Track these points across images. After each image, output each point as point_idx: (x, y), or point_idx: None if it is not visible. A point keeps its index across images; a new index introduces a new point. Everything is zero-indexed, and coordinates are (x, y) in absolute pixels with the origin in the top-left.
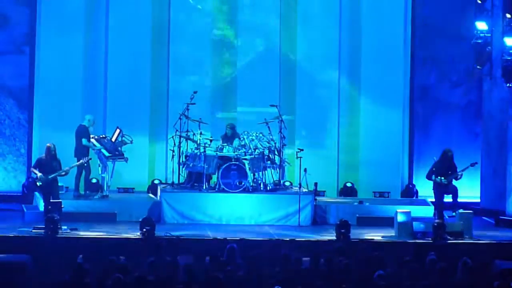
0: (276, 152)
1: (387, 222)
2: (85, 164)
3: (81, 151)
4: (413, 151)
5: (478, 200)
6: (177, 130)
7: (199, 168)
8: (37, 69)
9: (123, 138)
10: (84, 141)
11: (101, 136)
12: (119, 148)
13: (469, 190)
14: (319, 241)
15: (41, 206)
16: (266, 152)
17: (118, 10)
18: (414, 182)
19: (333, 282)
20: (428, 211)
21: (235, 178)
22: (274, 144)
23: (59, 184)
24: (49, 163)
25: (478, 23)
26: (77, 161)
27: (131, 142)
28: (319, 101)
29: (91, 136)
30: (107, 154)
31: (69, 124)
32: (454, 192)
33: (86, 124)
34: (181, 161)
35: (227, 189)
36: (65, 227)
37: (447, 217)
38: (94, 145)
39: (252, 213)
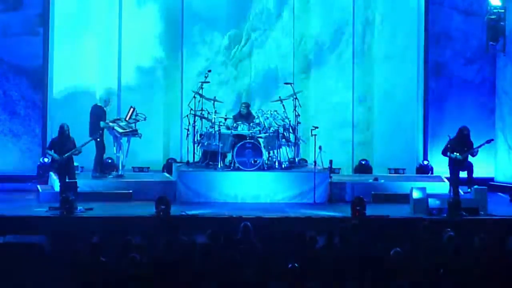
0: (291, 130)
1: (402, 198)
2: (98, 139)
3: (97, 131)
4: (428, 128)
5: (493, 176)
6: (191, 109)
7: (214, 146)
8: (51, 49)
9: (137, 117)
10: (102, 123)
11: (116, 119)
12: (133, 125)
13: (484, 166)
14: (335, 219)
15: (56, 186)
16: (281, 130)
17: None
18: (429, 159)
19: (349, 260)
20: (443, 188)
21: (250, 156)
22: (288, 122)
23: (75, 164)
24: (64, 143)
25: None
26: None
27: (145, 119)
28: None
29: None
30: (120, 130)
31: (83, 104)
32: (470, 168)
33: (102, 104)
34: (196, 139)
35: (242, 168)
36: (81, 207)
37: (462, 193)
38: (110, 126)
39: (268, 191)
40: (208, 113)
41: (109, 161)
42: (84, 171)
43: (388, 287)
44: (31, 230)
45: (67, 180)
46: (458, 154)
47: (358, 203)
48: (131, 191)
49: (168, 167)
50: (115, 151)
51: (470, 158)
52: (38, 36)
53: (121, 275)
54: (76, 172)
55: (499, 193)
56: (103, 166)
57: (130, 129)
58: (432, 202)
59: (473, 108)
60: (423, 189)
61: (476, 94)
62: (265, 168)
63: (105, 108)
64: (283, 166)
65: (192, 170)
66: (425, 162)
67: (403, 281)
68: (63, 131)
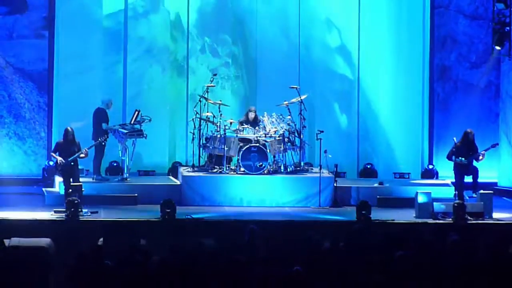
0: (296, 134)
1: (407, 203)
2: (103, 143)
3: (100, 134)
4: (433, 132)
5: (497, 181)
6: (197, 113)
7: (220, 150)
8: (57, 53)
9: (142, 118)
10: (104, 125)
11: (121, 124)
12: (138, 126)
13: (488, 170)
14: (340, 223)
15: (62, 189)
16: (286, 134)
17: None
18: (434, 163)
19: (353, 263)
20: (448, 192)
21: (256, 160)
22: (294, 126)
23: (80, 167)
24: (68, 146)
25: (497, 3)
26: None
27: (150, 121)
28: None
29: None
30: (125, 131)
31: (88, 107)
32: (475, 173)
33: (104, 106)
34: (201, 143)
35: (247, 171)
36: (86, 210)
37: (467, 197)
38: (114, 129)
39: (273, 195)
40: (214, 116)
41: (115, 164)
42: (89, 174)
43: None
44: (36, 233)
45: (72, 183)
46: (463, 158)
47: (363, 207)
48: (136, 194)
49: (173, 170)
50: (120, 155)
51: (475, 163)
52: (44, 39)
53: (126, 278)
54: (81, 175)
55: (504, 198)
56: (107, 170)
57: (135, 129)
58: (437, 206)
59: (478, 112)
60: (428, 194)
61: (481, 98)
62: (271, 172)
63: (107, 110)
64: (288, 170)
65: (197, 174)
66: (430, 167)
67: (408, 285)
68: (68, 135)
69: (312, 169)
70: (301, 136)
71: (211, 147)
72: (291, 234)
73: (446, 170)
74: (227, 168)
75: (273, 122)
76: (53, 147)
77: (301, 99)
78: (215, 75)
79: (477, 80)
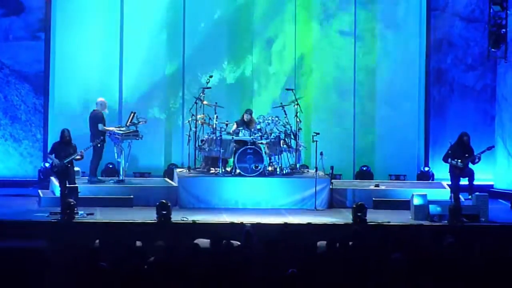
0: (292, 136)
1: (403, 205)
2: (99, 145)
3: (97, 136)
4: (429, 134)
5: (492, 183)
6: (193, 115)
7: (215, 152)
8: (53, 54)
9: (138, 119)
10: (100, 126)
11: (117, 126)
12: (133, 127)
13: (484, 173)
14: (336, 225)
15: (57, 191)
16: (282, 136)
17: None
18: (430, 165)
19: (349, 266)
20: (444, 194)
21: (251, 162)
22: (290, 128)
23: (76, 169)
24: (64, 148)
25: (493, 5)
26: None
27: (145, 122)
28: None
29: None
30: (120, 132)
31: (85, 109)
32: (470, 175)
33: (99, 108)
34: (197, 145)
35: (243, 173)
36: (82, 212)
37: (463, 200)
38: (110, 130)
39: (269, 197)
40: (210, 118)
41: (110, 166)
42: (85, 176)
43: None
44: (32, 235)
45: (68, 185)
46: (459, 161)
47: (359, 209)
48: (132, 196)
49: (169, 172)
50: (116, 157)
51: (471, 165)
52: (40, 40)
53: (121, 280)
54: (77, 177)
55: (500, 200)
56: (102, 171)
57: (131, 130)
58: (433, 208)
59: (474, 114)
60: (424, 196)
61: (477, 101)
62: (266, 174)
63: (102, 112)
64: (284, 172)
65: (193, 176)
66: (426, 169)
67: (404, 287)
68: (64, 137)
69: (308, 171)
70: (297, 138)
71: (207, 149)
72: (287, 236)
73: (442, 172)
74: (223, 170)
75: (268, 124)
76: (49, 149)
77: (296, 101)
78: (211, 77)
79: (473, 82)
